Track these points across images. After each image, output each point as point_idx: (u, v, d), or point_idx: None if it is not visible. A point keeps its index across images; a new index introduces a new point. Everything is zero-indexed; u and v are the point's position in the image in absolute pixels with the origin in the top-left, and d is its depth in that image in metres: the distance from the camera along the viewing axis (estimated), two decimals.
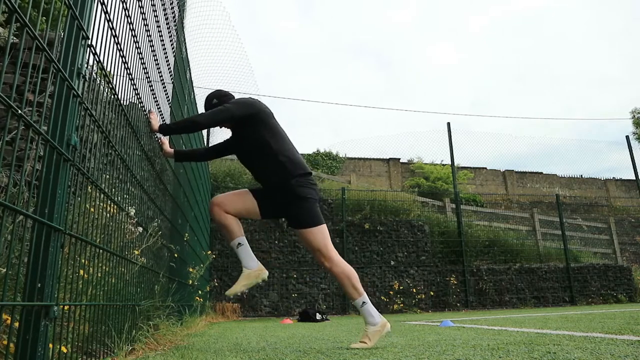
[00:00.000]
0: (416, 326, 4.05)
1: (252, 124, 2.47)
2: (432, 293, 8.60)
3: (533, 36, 73.30)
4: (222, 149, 2.75)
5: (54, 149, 1.24)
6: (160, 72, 2.86)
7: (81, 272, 1.51)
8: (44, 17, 3.74)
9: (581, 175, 19.61)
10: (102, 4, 1.60)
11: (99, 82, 1.68)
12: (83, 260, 1.53)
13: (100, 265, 1.66)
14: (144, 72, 2.37)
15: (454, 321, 4.36)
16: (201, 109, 3.01)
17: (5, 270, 1.06)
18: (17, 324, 1.14)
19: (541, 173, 18.98)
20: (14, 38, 3.28)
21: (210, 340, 2.94)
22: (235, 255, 2.60)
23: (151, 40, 2.52)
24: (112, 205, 1.79)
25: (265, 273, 2.46)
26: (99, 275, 1.66)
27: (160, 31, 2.80)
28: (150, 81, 2.54)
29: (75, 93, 1.32)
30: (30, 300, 1.14)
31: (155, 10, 2.63)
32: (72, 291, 1.43)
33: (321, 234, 2.41)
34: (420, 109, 58.39)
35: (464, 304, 8.63)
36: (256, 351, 2.18)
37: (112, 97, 1.81)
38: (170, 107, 3.34)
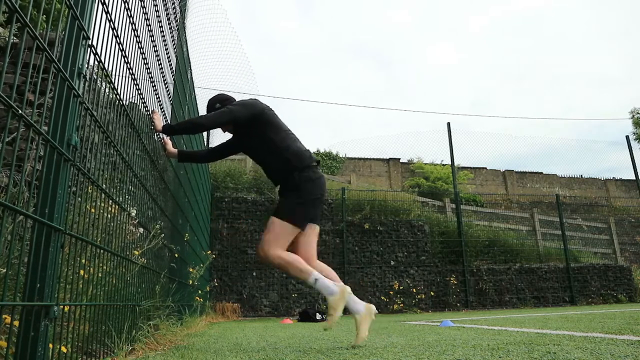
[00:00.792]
0: (416, 326, 4.05)
1: (255, 124, 2.51)
2: (432, 293, 8.61)
3: (533, 36, 73.35)
4: (223, 151, 2.77)
5: (54, 149, 1.24)
6: (163, 72, 2.86)
7: (81, 272, 1.51)
8: (45, 17, 3.74)
9: (581, 175, 19.63)
10: (103, 3, 1.60)
11: (99, 82, 1.68)
12: (83, 261, 1.53)
13: (100, 265, 1.66)
14: (147, 72, 2.37)
15: (454, 321, 4.36)
16: (202, 109, 3.01)
17: (5, 270, 1.06)
18: (17, 324, 1.14)
19: (541, 173, 18.99)
20: (15, 38, 3.28)
21: (210, 340, 2.94)
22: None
23: (153, 40, 2.52)
24: (113, 206, 1.79)
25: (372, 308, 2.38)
26: (100, 275, 1.66)
27: (162, 30, 2.80)
28: (153, 81, 2.54)
29: (75, 93, 1.33)
30: (30, 301, 1.15)
31: (157, 10, 2.63)
32: (72, 291, 1.43)
33: (282, 229, 2.37)
34: (420, 109, 58.48)
35: (464, 304, 8.63)
36: (256, 351, 2.18)
37: (114, 96, 1.81)
38: (172, 106, 3.34)
